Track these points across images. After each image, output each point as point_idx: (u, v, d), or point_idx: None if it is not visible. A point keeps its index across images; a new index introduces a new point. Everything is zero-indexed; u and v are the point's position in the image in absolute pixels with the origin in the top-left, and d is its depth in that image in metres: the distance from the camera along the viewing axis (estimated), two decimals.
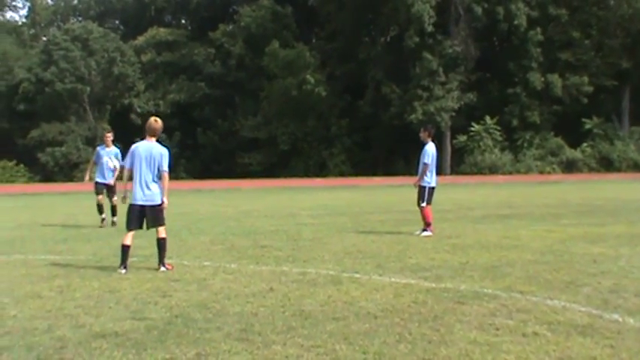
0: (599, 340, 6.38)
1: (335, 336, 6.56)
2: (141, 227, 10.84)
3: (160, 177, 10.79)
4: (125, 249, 10.63)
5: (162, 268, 10.55)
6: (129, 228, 10.76)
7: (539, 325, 6.91)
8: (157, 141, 10.91)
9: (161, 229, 10.80)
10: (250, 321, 7.17)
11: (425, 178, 15.15)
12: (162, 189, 10.83)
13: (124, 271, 10.37)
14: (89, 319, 7.35)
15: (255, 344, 6.32)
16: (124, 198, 11.01)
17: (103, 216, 18.38)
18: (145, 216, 10.72)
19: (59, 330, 6.93)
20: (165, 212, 11.01)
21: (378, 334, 6.60)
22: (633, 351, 6.04)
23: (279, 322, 7.09)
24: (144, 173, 10.63)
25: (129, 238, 10.71)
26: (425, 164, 15.14)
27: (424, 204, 15.09)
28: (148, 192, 10.66)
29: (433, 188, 15.34)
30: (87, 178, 18.99)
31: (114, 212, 18.40)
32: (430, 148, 15.28)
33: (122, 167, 10.66)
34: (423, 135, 15.57)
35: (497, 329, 6.77)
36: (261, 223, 18.36)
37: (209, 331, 6.78)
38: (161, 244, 10.76)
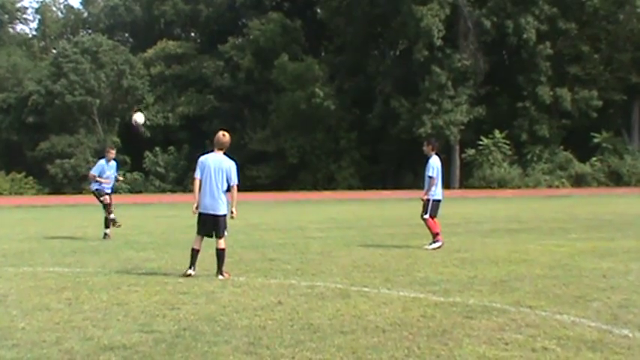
0: (608, 355, 6.34)
1: (343, 350, 6.54)
2: (209, 235, 11.27)
3: (228, 189, 11.25)
4: (193, 252, 11.22)
5: (220, 277, 10.91)
6: (198, 233, 11.33)
7: (548, 340, 6.88)
8: (225, 154, 11.39)
9: (221, 240, 11.20)
10: (258, 334, 7.16)
11: (430, 191, 15.14)
12: (229, 201, 11.28)
13: (192, 272, 11.07)
14: (97, 332, 7.35)
15: (264, 358, 6.31)
16: (197, 208, 11.37)
17: (112, 216, 18.46)
18: (210, 224, 11.19)
19: (67, 342, 6.93)
20: (227, 221, 11.38)
21: (387, 348, 6.58)
22: None
23: (287, 336, 7.08)
24: (212, 184, 11.11)
25: (198, 243, 11.30)
26: (431, 177, 15.13)
27: (427, 216, 15.08)
28: (214, 202, 11.12)
29: (439, 201, 15.32)
30: (95, 183, 19.01)
31: (107, 224, 18.48)
32: (434, 162, 15.28)
33: (193, 179, 11.18)
34: (427, 149, 15.58)
35: (507, 344, 6.74)
36: (270, 236, 18.35)
37: (217, 345, 6.77)
38: (220, 254, 11.17)
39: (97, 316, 8.12)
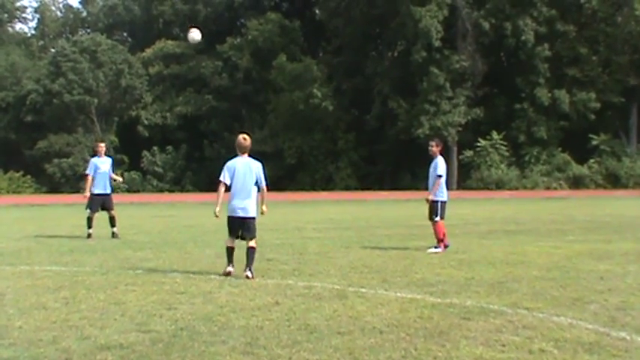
0: (606, 357, 6.35)
1: (340, 351, 6.54)
2: (239, 237, 11.39)
3: (258, 190, 11.52)
4: (229, 250, 11.38)
5: (249, 273, 10.96)
6: (230, 236, 11.44)
7: (545, 342, 6.88)
8: (249, 155, 11.62)
9: (252, 242, 11.33)
10: (255, 335, 7.16)
11: (437, 191, 15.07)
12: (258, 202, 11.57)
13: (231, 268, 11.22)
14: (94, 331, 7.35)
15: (260, 358, 6.31)
16: (218, 212, 11.54)
17: (90, 231, 18.17)
18: (238, 226, 11.34)
19: (64, 341, 6.92)
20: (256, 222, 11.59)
21: (384, 349, 6.58)
22: None
23: (284, 336, 7.08)
24: (242, 187, 11.33)
25: (231, 241, 11.42)
26: (439, 177, 15.03)
27: (437, 218, 14.89)
28: (244, 204, 11.31)
29: (445, 202, 15.24)
30: (87, 193, 18.65)
31: (113, 223, 18.37)
32: (442, 162, 15.21)
33: (219, 182, 11.45)
34: (435, 149, 15.38)
35: (504, 345, 6.74)
36: (267, 236, 18.33)
37: (214, 345, 6.77)
38: (251, 252, 11.25)
39: (94, 316, 8.12)
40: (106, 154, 19.35)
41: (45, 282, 10.59)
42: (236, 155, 11.58)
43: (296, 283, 10.37)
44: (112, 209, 18.52)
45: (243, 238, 11.36)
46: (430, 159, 15.45)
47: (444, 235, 14.84)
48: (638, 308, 8.48)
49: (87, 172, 19.14)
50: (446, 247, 14.75)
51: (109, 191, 18.75)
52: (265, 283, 10.41)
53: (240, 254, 11.26)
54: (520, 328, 7.44)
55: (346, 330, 7.35)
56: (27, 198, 53.75)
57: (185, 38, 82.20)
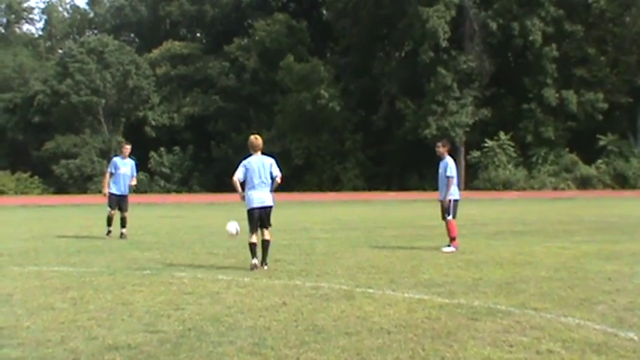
0: (613, 358, 6.33)
1: (348, 351, 6.54)
2: (259, 226, 12.36)
3: (272, 182, 12.51)
4: (253, 246, 12.13)
5: (265, 267, 12.06)
6: (252, 231, 12.29)
7: (553, 342, 6.87)
8: (263, 153, 12.64)
9: (267, 231, 12.38)
10: (263, 335, 7.16)
11: (450, 192, 15.12)
12: (271, 188, 12.54)
13: (255, 261, 12.01)
14: (102, 332, 7.37)
15: (268, 358, 6.31)
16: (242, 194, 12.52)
17: (110, 228, 18.49)
18: (261, 214, 12.35)
19: (72, 342, 6.94)
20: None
21: (391, 350, 6.58)
22: None
23: (291, 337, 7.08)
24: (259, 182, 12.32)
25: (254, 238, 12.21)
26: (449, 177, 15.09)
27: (450, 217, 15.03)
28: (262, 197, 12.34)
29: (457, 201, 15.33)
30: (105, 191, 18.90)
31: (124, 224, 18.47)
32: (452, 162, 15.27)
33: (232, 179, 12.49)
34: (442, 150, 15.44)
35: (511, 346, 6.73)
36: (275, 237, 18.27)
37: (222, 345, 6.77)
38: (266, 245, 12.30)
39: (101, 316, 8.14)
40: (129, 156, 19.31)
41: (53, 282, 10.62)
42: (250, 155, 12.47)
43: (303, 284, 10.38)
44: (125, 210, 18.70)
45: (261, 227, 12.30)
46: (438, 160, 15.50)
47: (456, 233, 14.98)
48: None
49: (108, 169, 19.38)
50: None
51: (126, 192, 18.90)
52: (273, 284, 10.42)
53: (243, 253, 11.26)
54: (528, 329, 7.43)
55: (354, 330, 7.35)
56: (34, 199, 53.86)
57: (192, 39, 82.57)
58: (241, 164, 12.42)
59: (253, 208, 12.29)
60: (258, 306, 8.67)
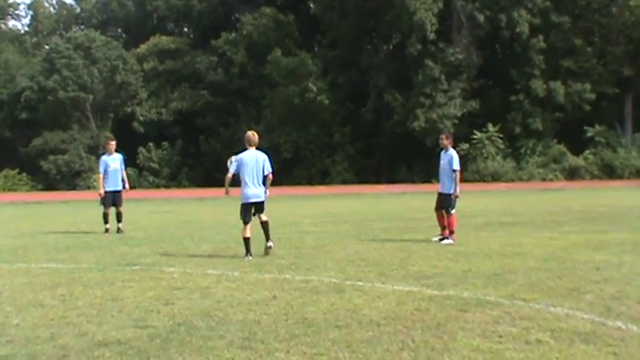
0: (602, 347, 6.36)
1: (338, 344, 6.55)
2: (253, 215, 12.91)
3: (265, 177, 12.99)
4: (247, 240, 12.68)
5: (270, 243, 12.95)
6: (245, 222, 12.78)
7: (542, 332, 6.90)
8: (257, 148, 13.11)
9: (263, 215, 13.01)
10: (253, 329, 7.17)
11: (455, 185, 15.29)
12: (266, 186, 13.02)
13: (250, 258, 12.46)
14: (92, 328, 7.36)
15: (258, 352, 6.32)
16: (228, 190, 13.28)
17: (108, 226, 18.57)
18: (255, 208, 12.90)
19: (62, 338, 6.93)
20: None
21: (381, 342, 6.59)
22: (636, 358, 6.04)
23: (281, 330, 7.09)
24: (253, 176, 12.81)
25: (248, 231, 12.74)
26: (456, 171, 15.29)
27: (453, 211, 15.21)
28: (257, 191, 12.86)
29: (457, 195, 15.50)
30: (102, 191, 18.93)
31: (119, 219, 18.61)
32: (456, 155, 15.48)
33: (226, 173, 13.09)
34: (446, 141, 15.64)
35: (501, 337, 6.76)
36: None
37: (212, 340, 6.77)
38: (265, 225, 13.01)
39: (91, 312, 8.12)
40: (116, 151, 19.40)
41: (42, 279, 10.59)
42: (244, 149, 12.94)
43: (293, 277, 10.38)
44: (120, 205, 18.89)
45: (256, 213, 12.90)
46: (439, 151, 15.73)
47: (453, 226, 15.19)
48: (633, 298, 8.51)
49: (99, 170, 19.43)
50: (443, 239, 14.92)
51: (120, 188, 19.04)
52: (262, 278, 10.42)
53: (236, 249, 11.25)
54: (517, 319, 7.46)
55: (344, 323, 7.36)
56: (23, 195, 53.70)
57: (179, 34, 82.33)
58: (235, 159, 12.88)
59: (249, 203, 12.85)
60: (248, 300, 8.67)
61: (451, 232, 15.07)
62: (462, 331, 7.00)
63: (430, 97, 61.26)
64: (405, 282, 9.83)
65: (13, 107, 70.23)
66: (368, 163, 68.25)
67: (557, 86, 61.75)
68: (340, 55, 69.63)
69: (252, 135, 13.13)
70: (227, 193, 13.28)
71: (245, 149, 12.99)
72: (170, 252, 13.88)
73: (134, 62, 72.85)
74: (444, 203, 15.32)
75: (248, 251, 12.60)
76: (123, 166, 19.27)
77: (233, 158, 13.00)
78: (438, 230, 15.42)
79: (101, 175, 19.05)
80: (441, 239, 14.97)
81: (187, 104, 72.27)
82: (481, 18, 61.62)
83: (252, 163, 12.82)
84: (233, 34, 74.63)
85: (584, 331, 6.93)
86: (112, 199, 18.81)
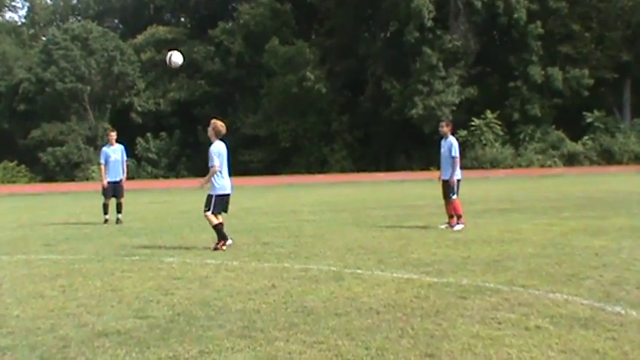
0: (601, 332, 6.37)
1: (337, 332, 6.55)
2: (225, 210, 12.77)
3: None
4: (221, 225, 12.53)
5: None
6: (217, 212, 12.57)
7: (541, 318, 6.91)
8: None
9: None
10: (252, 318, 7.17)
11: (456, 171, 15.50)
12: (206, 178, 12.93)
13: (231, 241, 12.57)
14: (92, 318, 7.36)
15: (258, 341, 6.32)
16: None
17: (107, 217, 18.63)
18: (228, 201, 12.82)
19: (62, 329, 6.93)
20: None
21: (381, 330, 6.60)
22: (636, 343, 6.04)
23: (281, 319, 7.09)
24: (226, 168, 12.82)
25: (220, 218, 12.61)
26: (455, 158, 15.49)
27: (455, 196, 15.36)
28: (230, 183, 12.87)
29: (460, 180, 15.75)
30: (104, 182, 18.98)
31: (119, 209, 18.75)
32: (456, 142, 15.74)
33: (213, 166, 12.76)
34: (446, 129, 15.90)
35: (500, 323, 6.76)
36: (263, 220, 18.35)
37: (211, 329, 6.78)
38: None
39: (91, 303, 8.13)
40: (117, 141, 19.42)
41: (41, 270, 10.59)
42: (216, 141, 12.82)
43: (292, 266, 10.39)
44: (121, 196, 18.97)
45: (225, 211, 12.72)
46: (440, 139, 15.86)
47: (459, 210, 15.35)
48: (632, 283, 8.51)
49: (100, 161, 19.46)
50: (453, 225, 15.16)
51: (120, 178, 19.08)
52: (262, 267, 10.43)
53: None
54: (516, 306, 7.46)
55: (343, 311, 7.37)
56: (22, 187, 53.75)
57: (176, 24, 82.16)
58: (217, 151, 12.71)
59: (225, 195, 12.70)
60: (248, 289, 8.68)
61: (459, 217, 15.21)
62: (461, 317, 7.00)
63: (428, 85, 61.23)
64: (404, 269, 9.84)
65: (10, 99, 70.19)
66: (366, 151, 68.25)
67: (556, 72, 61.71)
68: (337, 44, 69.53)
69: (222, 126, 12.93)
70: (206, 182, 12.96)
71: (217, 141, 12.83)
72: (169, 242, 13.89)
73: (131, 53, 72.71)
74: (448, 189, 15.44)
75: (226, 236, 12.53)
76: (125, 157, 19.33)
77: (215, 150, 12.76)
78: (442, 218, 15.48)
79: (102, 166, 19.12)
80: (451, 226, 15.06)
81: (185, 94, 72.20)
82: (478, 4, 61.48)
83: (225, 154, 12.82)
84: (230, 24, 74.47)
85: (583, 316, 6.93)
86: (112, 190, 18.89)
